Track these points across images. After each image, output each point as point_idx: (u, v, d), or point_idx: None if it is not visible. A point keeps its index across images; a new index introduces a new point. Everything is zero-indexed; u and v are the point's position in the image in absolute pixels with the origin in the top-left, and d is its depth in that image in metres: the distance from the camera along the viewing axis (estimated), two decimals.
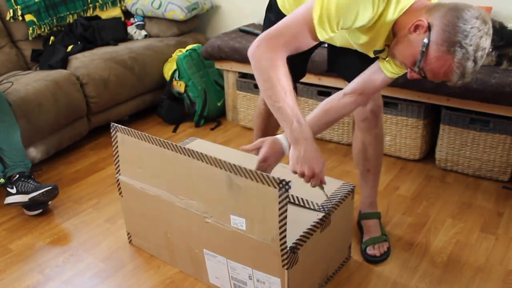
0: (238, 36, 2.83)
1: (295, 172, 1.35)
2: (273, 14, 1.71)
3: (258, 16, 3.12)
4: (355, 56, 1.58)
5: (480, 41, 1.16)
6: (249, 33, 2.88)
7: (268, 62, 1.26)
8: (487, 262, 1.76)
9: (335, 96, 1.56)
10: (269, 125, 2.05)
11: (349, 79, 1.72)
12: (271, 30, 1.29)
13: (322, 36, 1.27)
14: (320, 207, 1.55)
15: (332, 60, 1.78)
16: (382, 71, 1.48)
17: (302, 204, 1.59)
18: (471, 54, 1.16)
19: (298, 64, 1.85)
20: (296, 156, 1.32)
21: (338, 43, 1.58)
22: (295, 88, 2.62)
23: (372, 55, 1.46)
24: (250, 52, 1.29)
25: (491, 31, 1.19)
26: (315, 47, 1.66)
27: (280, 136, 1.45)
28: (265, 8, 1.77)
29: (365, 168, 1.82)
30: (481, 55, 1.19)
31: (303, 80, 2.56)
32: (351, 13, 1.22)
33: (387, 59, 1.44)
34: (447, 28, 1.17)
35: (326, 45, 1.76)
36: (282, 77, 1.26)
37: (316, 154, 1.33)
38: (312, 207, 1.56)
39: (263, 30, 1.83)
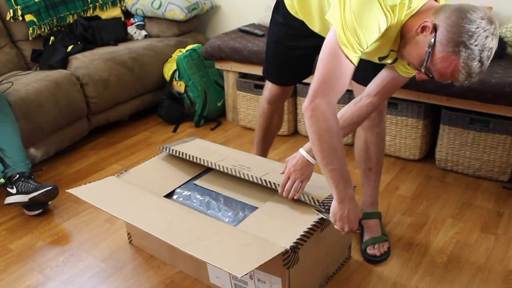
0: (238, 36, 2.83)
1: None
2: (281, 15, 1.70)
3: (258, 16, 3.13)
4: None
5: (486, 41, 1.16)
6: (249, 33, 2.88)
7: (324, 123, 1.27)
8: (487, 262, 1.76)
9: (352, 101, 1.57)
10: (272, 125, 2.04)
11: (357, 80, 1.72)
12: (316, 86, 1.28)
13: (357, 59, 1.27)
14: (321, 205, 1.55)
15: None
16: (397, 72, 1.49)
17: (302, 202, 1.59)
18: (476, 55, 1.16)
19: (302, 67, 1.85)
20: (340, 214, 1.41)
21: None
22: (295, 88, 2.66)
23: (377, 61, 1.46)
24: (307, 113, 1.30)
25: (497, 32, 1.19)
26: (314, 48, 1.65)
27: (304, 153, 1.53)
28: (272, 8, 1.75)
29: (366, 167, 1.83)
30: (488, 56, 1.19)
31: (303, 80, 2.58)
32: (373, 25, 1.22)
33: (398, 60, 1.44)
34: (451, 29, 1.17)
35: None
36: (337, 138, 1.30)
37: (356, 215, 1.41)
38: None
39: (269, 31, 1.82)
